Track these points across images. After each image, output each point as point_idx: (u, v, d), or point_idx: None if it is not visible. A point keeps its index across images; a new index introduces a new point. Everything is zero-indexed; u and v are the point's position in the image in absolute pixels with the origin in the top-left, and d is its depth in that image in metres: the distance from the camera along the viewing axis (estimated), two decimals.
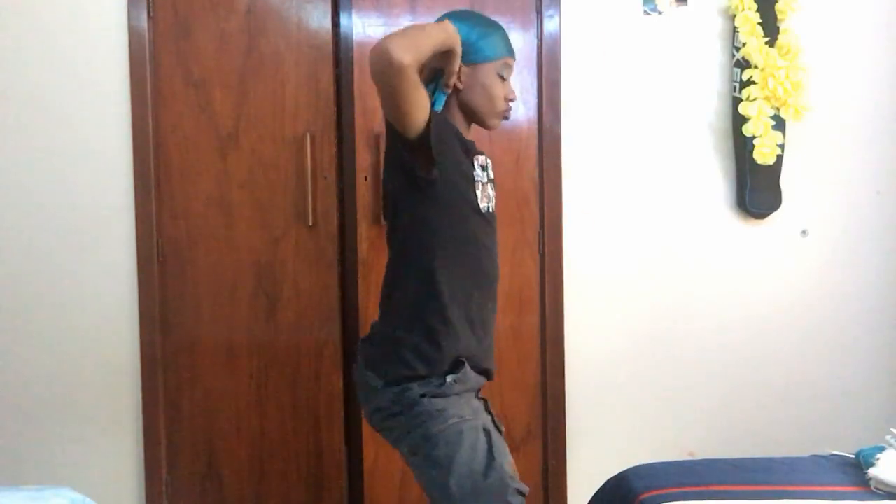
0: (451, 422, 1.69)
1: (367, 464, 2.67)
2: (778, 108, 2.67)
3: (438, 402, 1.69)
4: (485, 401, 1.84)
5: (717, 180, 2.79)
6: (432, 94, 1.73)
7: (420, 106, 1.59)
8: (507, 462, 1.74)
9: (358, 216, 2.66)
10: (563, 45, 2.71)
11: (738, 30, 2.68)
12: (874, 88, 2.81)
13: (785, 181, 2.75)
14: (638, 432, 2.78)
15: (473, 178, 1.77)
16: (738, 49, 2.70)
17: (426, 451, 1.69)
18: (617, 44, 2.74)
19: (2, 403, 2.68)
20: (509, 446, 1.79)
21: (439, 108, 1.75)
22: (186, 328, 2.70)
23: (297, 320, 2.69)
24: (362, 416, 2.71)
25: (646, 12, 2.74)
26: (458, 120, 1.80)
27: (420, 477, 1.74)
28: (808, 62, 2.68)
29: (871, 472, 1.94)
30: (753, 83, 2.66)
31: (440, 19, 1.75)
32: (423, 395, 1.69)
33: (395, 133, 1.64)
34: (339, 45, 2.70)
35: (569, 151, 2.73)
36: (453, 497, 1.67)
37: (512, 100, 1.83)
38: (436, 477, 1.68)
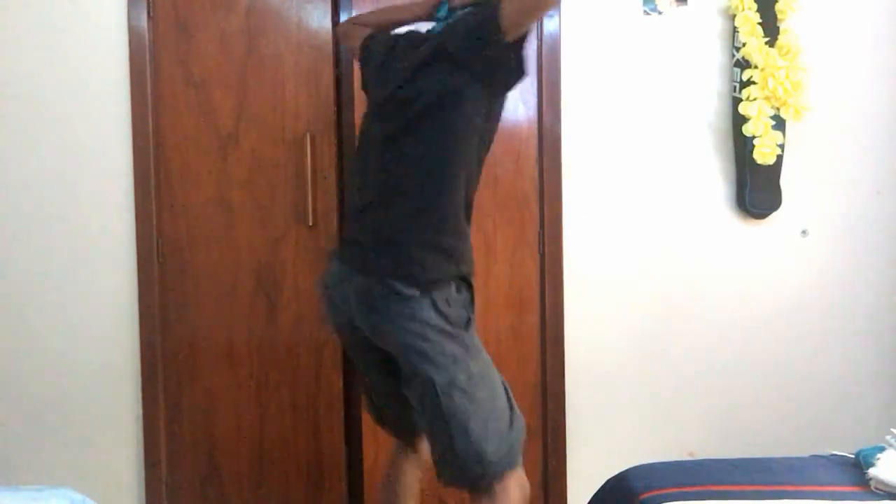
0: (484, 358, 1.80)
1: (367, 464, 2.66)
2: (778, 108, 2.67)
3: (475, 338, 1.79)
4: None
5: (717, 180, 2.79)
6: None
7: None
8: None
9: None
10: (563, 45, 2.71)
11: (738, 30, 2.68)
12: (874, 88, 2.82)
13: (785, 181, 2.75)
14: (638, 432, 2.78)
15: None
16: (738, 49, 2.70)
17: (465, 387, 1.73)
18: (617, 44, 2.74)
19: (2, 403, 2.68)
20: None
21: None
22: (186, 328, 2.69)
23: (297, 320, 2.69)
24: (362, 415, 2.70)
25: (646, 12, 2.74)
26: None
27: (447, 400, 1.72)
28: (808, 62, 2.68)
29: (871, 472, 1.94)
30: (753, 83, 2.66)
31: None
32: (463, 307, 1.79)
33: (500, 32, 1.70)
34: (339, 45, 2.70)
35: (569, 151, 2.72)
36: (490, 463, 1.73)
37: None
38: (472, 422, 1.73)
